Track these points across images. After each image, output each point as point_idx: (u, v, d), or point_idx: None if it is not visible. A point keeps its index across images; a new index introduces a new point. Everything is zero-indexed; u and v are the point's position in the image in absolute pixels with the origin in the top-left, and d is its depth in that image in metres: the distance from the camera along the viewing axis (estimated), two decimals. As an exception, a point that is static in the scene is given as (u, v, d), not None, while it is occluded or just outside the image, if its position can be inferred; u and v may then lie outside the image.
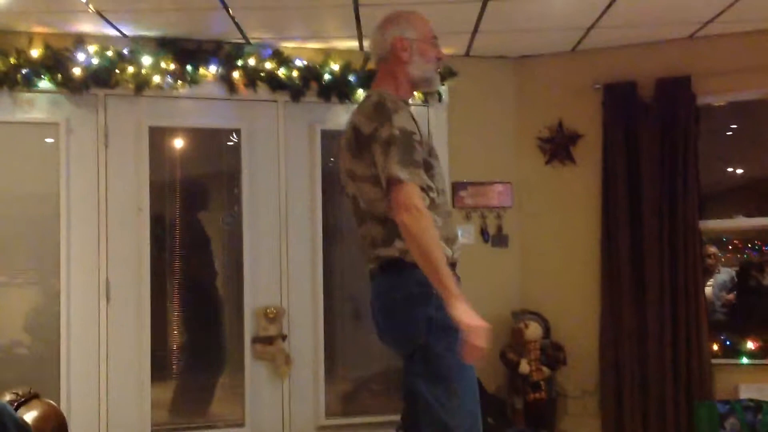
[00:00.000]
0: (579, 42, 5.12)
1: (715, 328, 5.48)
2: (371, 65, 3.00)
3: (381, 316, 2.77)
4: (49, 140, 4.68)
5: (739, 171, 9.07)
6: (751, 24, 4.85)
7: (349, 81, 5.00)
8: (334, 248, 5.15)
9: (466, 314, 2.46)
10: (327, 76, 4.97)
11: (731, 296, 8.23)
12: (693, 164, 5.01)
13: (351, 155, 2.74)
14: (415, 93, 3.12)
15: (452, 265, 2.70)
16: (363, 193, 2.72)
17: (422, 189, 2.61)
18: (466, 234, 5.25)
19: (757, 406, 4.73)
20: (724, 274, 8.66)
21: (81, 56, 4.57)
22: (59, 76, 4.55)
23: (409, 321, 2.65)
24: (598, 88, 5.21)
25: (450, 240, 2.73)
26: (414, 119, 2.70)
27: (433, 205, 2.65)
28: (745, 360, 5.01)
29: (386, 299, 2.73)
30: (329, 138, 5.09)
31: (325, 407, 4.96)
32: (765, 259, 9.09)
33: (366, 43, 4.98)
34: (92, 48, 4.60)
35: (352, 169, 2.74)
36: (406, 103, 2.80)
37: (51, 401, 3.37)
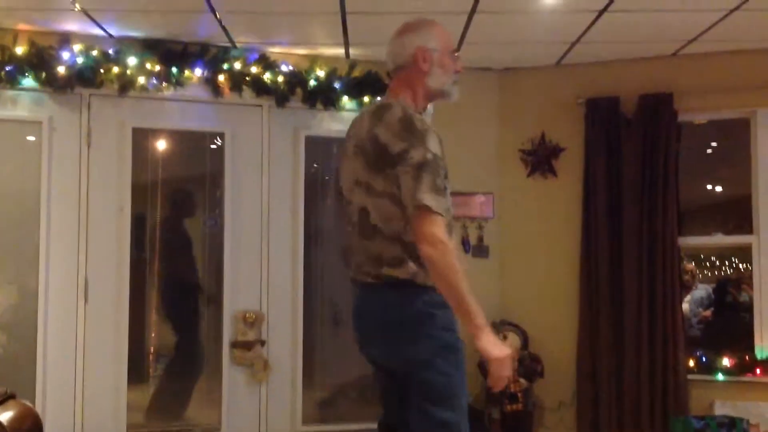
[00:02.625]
0: (563, 56, 5.16)
1: (692, 344, 5.52)
2: (389, 71, 2.89)
3: (380, 331, 2.68)
4: (31, 138, 4.65)
5: (718, 189, 9.15)
6: (733, 44, 4.91)
7: (335, 88, 5.01)
8: (315, 254, 5.16)
9: (492, 345, 2.49)
10: (312, 82, 4.98)
11: (708, 313, 8.30)
12: (673, 180, 5.06)
13: (367, 167, 2.63)
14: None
15: None
16: (379, 209, 2.61)
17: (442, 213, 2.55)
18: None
19: (731, 422, 4.76)
20: (701, 290, 8.73)
21: (66, 55, 4.55)
22: (43, 74, 4.53)
23: (414, 339, 2.60)
24: (581, 103, 5.25)
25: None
26: (440, 141, 2.61)
27: (448, 228, 2.62)
28: (720, 376, 5.04)
29: (391, 315, 2.65)
30: (313, 144, 5.10)
31: (302, 413, 4.95)
32: (742, 276, 9.16)
33: (352, 51, 5.00)
34: (77, 47, 4.59)
35: (368, 182, 2.63)
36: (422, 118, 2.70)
37: (27, 402, 3.34)
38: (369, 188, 2.63)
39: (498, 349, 2.50)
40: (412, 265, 2.58)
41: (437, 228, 2.48)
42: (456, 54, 2.84)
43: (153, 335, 4.99)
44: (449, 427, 2.63)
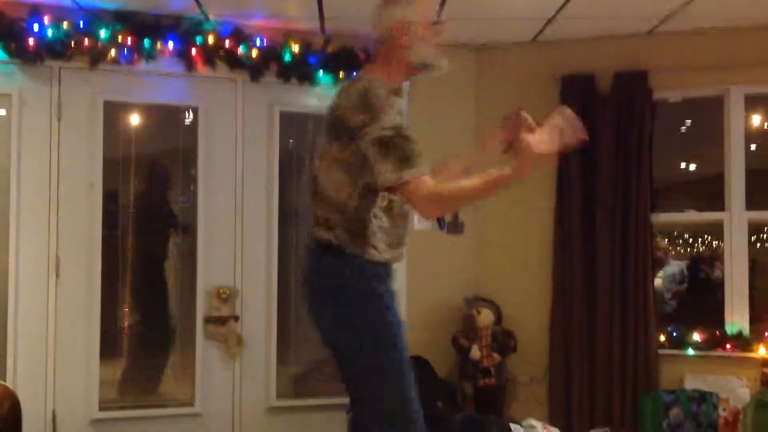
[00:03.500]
0: (540, 32, 5.15)
1: (665, 319, 5.58)
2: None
3: (317, 296, 2.76)
4: (1, 112, 4.57)
5: (692, 167, 9.23)
6: (708, 21, 4.92)
7: (310, 62, 4.96)
8: (289, 230, 5.14)
9: (541, 143, 2.55)
10: (287, 57, 4.93)
11: (682, 288, 8.40)
12: (647, 158, 5.09)
13: (327, 136, 2.69)
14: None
15: (387, 265, 2.72)
16: (330, 175, 2.67)
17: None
18: (422, 220, 5.25)
19: (701, 396, 4.83)
20: (674, 266, 8.83)
21: (35, 27, 4.46)
22: (12, 46, 4.44)
23: (340, 310, 2.68)
24: (557, 79, 5.24)
25: (392, 245, 2.75)
26: (400, 112, 2.62)
27: (389, 206, 2.66)
28: (691, 351, 5.10)
29: (326, 280, 2.72)
30: (288, 119, 5.06)
31: (276, 389, 4.96)
32: (715, 253, 9.27)
33: (327, 25, 4.95)
34: (47, 18, 4.50)
35: (326, 149, 2.68)
36: (397, 91, 2.70)
37: (3, 382, 3.33)
38: (323, 155, 2.68)
39: (540, 149, 2.56)
40: (342, 234, 2.64)
41: (423, 192, 2.51)
42: (440, 24, 2.81)
43: (125, 310, 4.96)
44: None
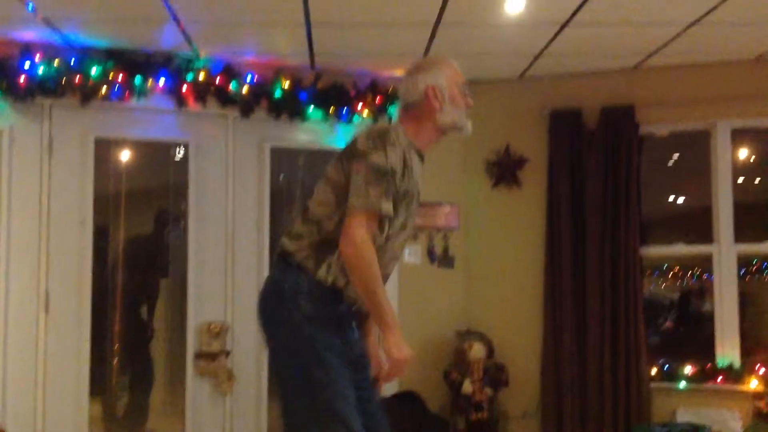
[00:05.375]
0: (527, 69, 5.21)
1: (655, 352, 5.57)
2: (399, 108, 2.97)
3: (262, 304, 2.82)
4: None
5: (680, 201, 9.27)
6: (693, 57, 4.99)
7: (300, 99, 5.00)
8: (280, 265, 5.13)
9: (396, 347, 2.60)
10: (277, 93, 4.97)
11: (669, 323, 8.41)
12: (635, 192, 5.13)
13: (336, 159, 2.77)
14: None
15: (333, 289, 2.71)
16: (319, 192, 2.76)
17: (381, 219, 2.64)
18: (413, 254, 5.28)
19: (693, 429, 4.81)
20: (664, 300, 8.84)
21: (27, 64, 4.49)
22: (4, 83, 4.47)
23: (271, 317, 2.75)
24: (545, 114, 5.30)
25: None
26: (408, 166, 2.71)
27: (381, 239, 2.69)
28: (683, 384, 5.09)
29: (266, 288, 2.82)
30: (279, 155, 5.09)
31: (267, 425, 4.92)
32: (704, 286, 9.29)
33: (318, 61, 5.00)
34: (39, 56, 4.53)
35: (327, 171, 2.77)
36: (420, 154, 2.83)
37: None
38: (324, 176, 2.77)
39: (398, 350, 2.60)
40: (306, 248, 2.69)
41: (362, 234, 2.58)
42: (466, 87, 2.93)
43: (115, 346, 4.93)
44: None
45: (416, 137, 2.83)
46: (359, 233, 2.57)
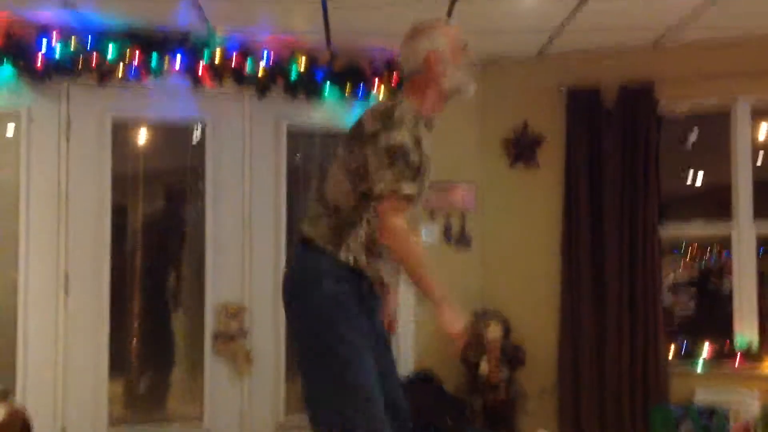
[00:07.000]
0: (545, 46, 5.16)
1: (673, 332, 5.55)
2: (402, 76, 2.95)
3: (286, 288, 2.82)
4: (10, 128, 4.59)
5: (699, 180, 9.18)
6: (713, 32, 4.92)
7: (316, 78, 4.98)
8: (297, 246, 5.13)
9: (449, 323, 2.66)
10: (294, 72, 4.94)
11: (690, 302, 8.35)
12: (653, 170, 5.08)
13: (345, 142, 2.77)
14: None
15: (356, 269, 2.73)
16: (333, 177, 2.76)
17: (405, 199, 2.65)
18: (429, 233, 5.26)
19: (711, 410, 4.80)
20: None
21: (44, 45, 4.49)
22: (21, 64, 4.47)
23: (296, 298, 2.75)
24: (562, 91, 5.25)
25: (372, 254, 2.77)
26: (419, 141, 2.69)
27: (414, 218, 2.73)
28: (701, 365, 5.07)
29: (290, 271, 2.83)
30: (295, 134, 5.07)
31: (285, 405, 4.94)
32: (723, 265, 9.21)
33: (334, 40, 4.97)
34: (55, 36, 4.53)
35: (339, 153, 2.78)
36: (427, 123, 2.79)
37: (15, 402, 3.35)
38: (335, 159, 2.78)
39: (451, 326, 2.66)
40: (325, 230, 2.71)
41: (401, 216, 2.60)
42: (466, 46, 2.88)
43: (134, 327, 4.96)
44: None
45: (422, 106, 2.79)
46: (392, 222, 2.59)
